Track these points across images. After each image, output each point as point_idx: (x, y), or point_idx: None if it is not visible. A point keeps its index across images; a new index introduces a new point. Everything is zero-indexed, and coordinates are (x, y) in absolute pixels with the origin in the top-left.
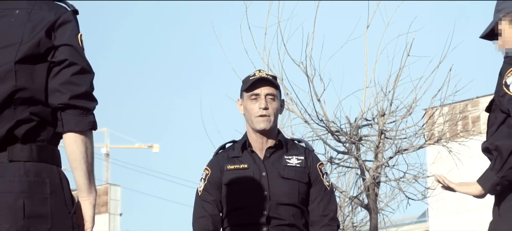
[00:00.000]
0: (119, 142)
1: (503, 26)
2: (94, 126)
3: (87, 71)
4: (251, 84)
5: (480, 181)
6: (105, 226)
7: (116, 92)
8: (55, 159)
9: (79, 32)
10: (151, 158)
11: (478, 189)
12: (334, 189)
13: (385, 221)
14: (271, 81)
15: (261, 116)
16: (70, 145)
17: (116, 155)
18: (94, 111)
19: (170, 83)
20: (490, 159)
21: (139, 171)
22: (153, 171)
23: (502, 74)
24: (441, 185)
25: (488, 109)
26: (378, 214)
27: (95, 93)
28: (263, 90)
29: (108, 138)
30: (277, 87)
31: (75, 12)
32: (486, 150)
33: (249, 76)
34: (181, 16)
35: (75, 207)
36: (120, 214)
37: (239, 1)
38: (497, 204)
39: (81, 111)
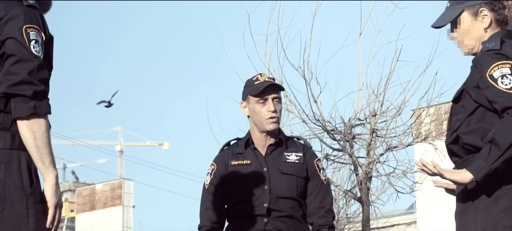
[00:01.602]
0: (132, 140)
1: (465, 18)
2: (37, 111)
3: (26, 60)
4: (261, 91)
5: (472, 169)
6: (120, 217)
7: (129, 95)
8: (15, 144)
9: (25, 24)
10: (161, 155)
11: (469, 177)
12: (329, 183)
13: (376, 212)
14: (278, 86)
15: (270, 118)
16: (20, 132)
17: (129, 152)
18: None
19: (178, 86)
20: (458, 152)
21: (150, 166)
22: (163, 167)
23: (483, 66)
24: (428, 173)
25: (457, 100)
26: (370, 206)
27: (40, 78)
28: (271, 95)
29: (122, 136)
30: (282, 90)
31: (31, 6)
32: (456, 141)
33: (253, 80)
34: (188, 24)
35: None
36: (133, 206)
37: (242, 10)
38: (470, 198)
39: (22, 98)
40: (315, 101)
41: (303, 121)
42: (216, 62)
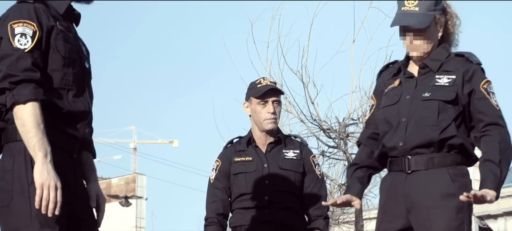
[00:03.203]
0: (144, 138)
1: (432, 25)
2: (17, 99)
3: (7, 55)
4: (262, 94)
5: (496, 188)
6: (133, 209)
7: (142, 97)
8: (19, 135)
9: (10, 21)
10: (172, 152)
11: (495, 194)
12: (325, 178)
13: (368, 204)
14: (278, 90)
15: (269, 119)
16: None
17: (142, 149)
18: (35, 85)
19: (187, 88)
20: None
21: (161, 162)
22: (173, 162)
23: (477, 78)
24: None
25: (454, 101)
26: (362, 199)
27: (22, 68)
28: (272, 98)
29: (136, 135)
30: (282, 93)
31: (22, 1)
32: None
33: (255, 84)
34: (194, 30)
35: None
36: (146, 199)
37: (245, 20)
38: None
39: (7, 91)
40: (312, 103)
41: (301, 121)
42: (221, 67)
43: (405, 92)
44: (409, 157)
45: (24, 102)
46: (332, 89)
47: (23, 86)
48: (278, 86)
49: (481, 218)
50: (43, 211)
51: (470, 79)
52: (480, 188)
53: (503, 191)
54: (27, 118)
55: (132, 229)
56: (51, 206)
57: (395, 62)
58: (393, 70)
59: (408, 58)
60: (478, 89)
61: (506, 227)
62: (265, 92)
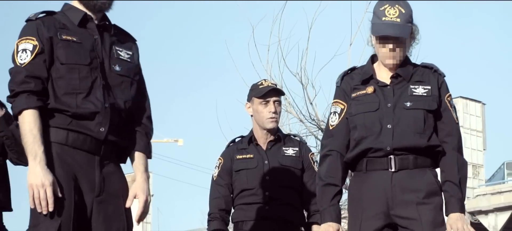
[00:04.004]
0: None
1: (409, 36)
2: (14, 111)
3: (10, 73)
4: (264, 94)
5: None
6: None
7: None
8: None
9: (17, 39)
10: (177, 150)
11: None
12: None
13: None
14: (279, 91)
15: (270, 118)
16: None
17: None
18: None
19: (191, 90)
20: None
21: (167, 160)
22: (178, 160)
23: (445, 89)
24: None
25: (437, 109)
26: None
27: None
28: (273, 98)
29: None
30: (282, 94)
31: (27, 20)
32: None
33: (257, 85)
34: (199, 32)
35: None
36: (152, 195)
37: (247, 24)
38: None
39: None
40: (311, 103)
41: (301, 121)
42: (224, 69)
43: (384, 101)
44: (394, 157)
45: (19, 113)
46: (330, 90)
47: (18, 98)
48: (274, 85)
49: (472, 213)
50: (38, 210)
51: (439, 91)
52: (446, 212)
53: (494, 188)
54: (22, 125)
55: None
56: (43, 203)
57: (355, 68)
58: (360, 77)
59: (371, 66)
60: (443, 101)
61: (497, 222)
62: (267, 93)
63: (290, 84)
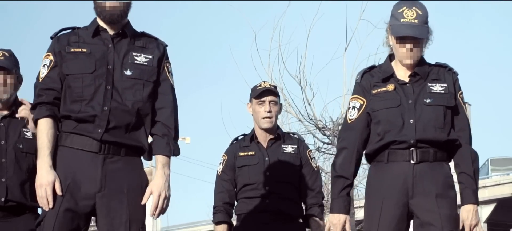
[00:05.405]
0: None
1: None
2: (34, 120)
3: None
4: (259, 93)
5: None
6: (150, 199)
7: None
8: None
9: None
10: (184, 147)
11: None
12: (320, 171)
13: (359, 194)
14: (273, 91)
15: (266, 117)
16: None
17: None
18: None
19: (197, 92)
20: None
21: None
22: (185, 157)
23: (459, 87)
24: None
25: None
26: (354, 189)
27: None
28: (268, 98)
29: None
30: (277, 95)
31: (51, 38)
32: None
33: (256, 86)
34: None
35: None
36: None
37: (249, 30)
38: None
39: None
40: (309, 104)
41: (299, 120)
42: (228, 72)
43: (405, 97)
44: (416, 149)
45: (35, 122)
46: (326, 92)
47: (36, 109)
48: (273, 87)
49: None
50: (41, 206)
51: (454, 89)
52: (462, 202)
53: (479, 182)
54: (37, 133)
55: (149, 217)
56: (43, 201)
57: (374, 67)
58: (380, 75)
59: (389, 65)
60: (457, 98)
61: (482, 214)
62: (262, 92)
63: (290, 86)
